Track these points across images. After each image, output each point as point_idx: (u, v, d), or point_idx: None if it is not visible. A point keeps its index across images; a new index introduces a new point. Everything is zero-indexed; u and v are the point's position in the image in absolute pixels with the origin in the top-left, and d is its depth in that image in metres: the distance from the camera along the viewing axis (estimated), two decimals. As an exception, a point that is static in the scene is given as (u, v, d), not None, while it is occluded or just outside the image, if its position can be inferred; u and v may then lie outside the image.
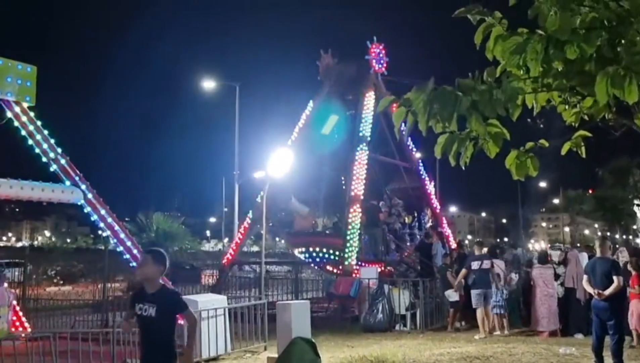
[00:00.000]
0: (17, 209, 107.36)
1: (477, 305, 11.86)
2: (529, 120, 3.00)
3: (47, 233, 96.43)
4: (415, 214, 19.35)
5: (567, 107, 3.08)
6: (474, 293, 11.93)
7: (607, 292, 6.93)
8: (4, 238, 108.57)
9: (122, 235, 9.87)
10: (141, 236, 24.16)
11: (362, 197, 16.86)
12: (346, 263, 15.47)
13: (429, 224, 19.25)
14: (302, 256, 17.96)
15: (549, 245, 48.83)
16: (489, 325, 12.05)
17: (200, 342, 9.08)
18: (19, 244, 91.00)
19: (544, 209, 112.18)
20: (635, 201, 43.90)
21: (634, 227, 50.85)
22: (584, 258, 12.73)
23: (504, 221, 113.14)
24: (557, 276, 11.87)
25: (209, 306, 9.37)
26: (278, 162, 11.17)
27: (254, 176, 23.90)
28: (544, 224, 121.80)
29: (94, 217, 9.88)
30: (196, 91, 32.80)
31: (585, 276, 7.54)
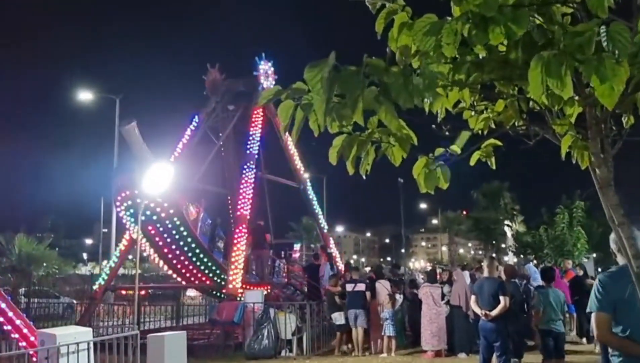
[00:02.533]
0: None
1: (352, 324, 12.24)
2: (433, 126, 2.58)
3: None
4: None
5: (473, 113, 2.72)
6: (349, 313, 12.29)
7: (494, 313, 6.85)
8: None
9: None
10: (1, 260, 21.69)
11: (248, 217, 16.20)
12: (230, 286, 14.65)
13: (297, 255, 19.00)
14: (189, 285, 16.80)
15: (430, 264, 51.02)
16: (378, 347, 11.96)
17: (58, 382, 7.89)
18: None
19: (423, 230, 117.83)
20: (506, 222, 47.03)
21: (503, 246, 54.46)
22: (466, 276, 13.06)
23: (387, 241, 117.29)
24: (442, 295, 11.96)
25: (70, 340, 8.19)
26: (155, 179, 10.26)
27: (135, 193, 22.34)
28: (423, 243, 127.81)
29: None
30: (73, 103, 30.55)
31: (473, 297, 7.46)
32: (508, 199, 47.64)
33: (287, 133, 19.50)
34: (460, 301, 11.80)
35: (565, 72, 1.69)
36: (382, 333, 11.90)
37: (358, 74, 1.70)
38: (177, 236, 14.52)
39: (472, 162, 2.63)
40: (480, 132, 2.75)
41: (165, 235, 14.57)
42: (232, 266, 14.94)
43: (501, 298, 6.73)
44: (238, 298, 14.11)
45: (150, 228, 14.27)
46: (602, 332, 3.32)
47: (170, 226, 14.31)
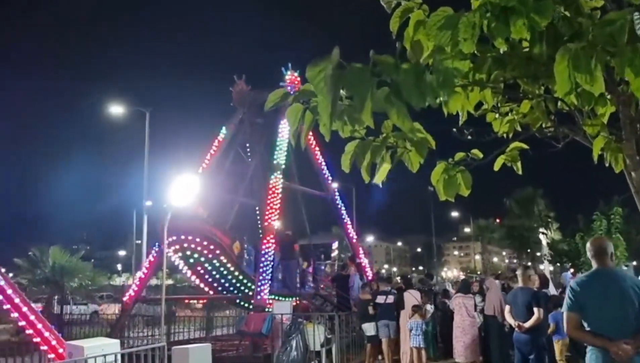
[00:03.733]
0: None
1: (382, 335, 12.12)
2: (454, 130, 2.43)
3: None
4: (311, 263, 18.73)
5: (497, 115, 2.55)
6: (379, 324, 12.17)
7: (528, 324, 6.58)
8: None
9: (2, 282, 8.47)
10: (34, 272, 22.03)
11: (276, 227, 16.13)
12: (258, 297, 14.57)
13: (335, 254, 18.82)
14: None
15: (463, 273, 50.18)
16: (407, 359, 11.70)
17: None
18: None
19: (455, 238, 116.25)
20: (540, 230, 45.94)
21: (538, 254, 53.22)
22: (498, 286, 12.72)
23: (419, 250, 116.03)
24: (474, 306, 11.67)
25: (97, 352, 8.20)
26: (182, 190, 10.27)
27: (164, 206, 22.47)
28: (455, 252, 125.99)
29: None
30: (104, 117, 31.14)
31: (507, 307, 7.19)
32: (542, 206, 46.59)
33: (314, 142, 19.45)
34: (495, 311, 11.48)
35: (595, 66, 1.52)
36: (411, 345, 11.65)
37: (365, 71, 1.56)
38: (222, 271, 15.52)
39: (497, 167, 2.46)
40: (505, 135, 2.58)
41: (210, 268, 15.52)
42: (260, 277, 14.87)
43: (535, 309, 6.45)
44: (266, 310, 14.02)
45: (199, 268, 15.56)
46: (570, 328, 4.05)
47: (217, 264, 15.33)
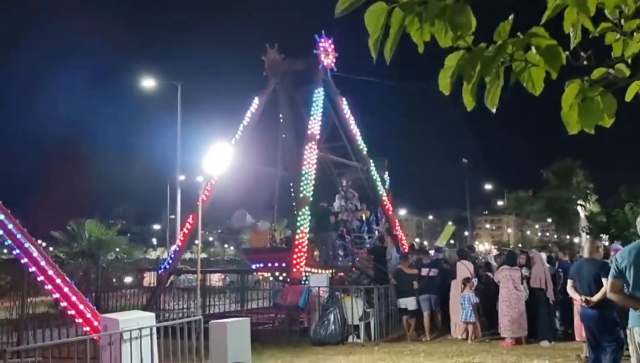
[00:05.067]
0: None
1: (424, 309, 11.96)
2: (567, 53, 1.87)
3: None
4: (372, 210, 18.39)
5: (618, 35, 1.99)
6: (421, 298, 12.01)
7: (595, 298, 6.00)
8: None
9: (26, 244, 8.28)
10: (72, 245, 22.24)
11: (311, 199, 15.71)
12: (294, 270, 14.24)
13: (384, 223, 18.31)
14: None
15: (496, 247, 49.27)
16: (459, 331, 11.40)
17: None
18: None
19: (487, 212, 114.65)
20: (579, 202, 44.63)
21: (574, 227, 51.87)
22: (543, 258, 12.14)
23: (450, 223, 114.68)
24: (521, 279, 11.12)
25: (133, 325, 7.96)
26: (216, 158, 9.91)
27: (197, 179, 22.31)
28: (487, 226, 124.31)
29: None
30: (136, 90, 31.05)
31: (569, 281, 6.61)
32: (581, 177, 45.15)
33: (347, 110, 18.85)
34: (542, 283, 10.93)
35: None
36: (462, 319, 11.22)
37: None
38: None
39: (629, 97, 1.90)
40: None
41: None
42: (296, 249, 14.53)
43: (604, 280, 5.81)
44: (302, 282, 13.70)
45: None
46: (613, 292, 4.69)
47: None
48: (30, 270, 8.67)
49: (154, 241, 76.16)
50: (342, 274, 15.30)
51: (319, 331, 11.84)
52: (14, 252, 8.46)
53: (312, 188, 15.87)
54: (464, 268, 12.04)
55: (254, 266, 16.28)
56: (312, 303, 12.59)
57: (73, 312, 8.60)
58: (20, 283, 14.51)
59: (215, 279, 23.29)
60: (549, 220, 62.59)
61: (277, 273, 15.73)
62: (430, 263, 12.60)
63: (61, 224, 23.97)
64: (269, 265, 15.56)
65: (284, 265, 14.78)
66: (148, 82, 28.37)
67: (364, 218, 17.86)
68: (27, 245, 8.41)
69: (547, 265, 11.51)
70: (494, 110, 1.69)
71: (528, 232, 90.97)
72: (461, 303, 11.21)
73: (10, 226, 8.35)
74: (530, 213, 59.52)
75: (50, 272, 8.53)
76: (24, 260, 8.48)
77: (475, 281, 12.24)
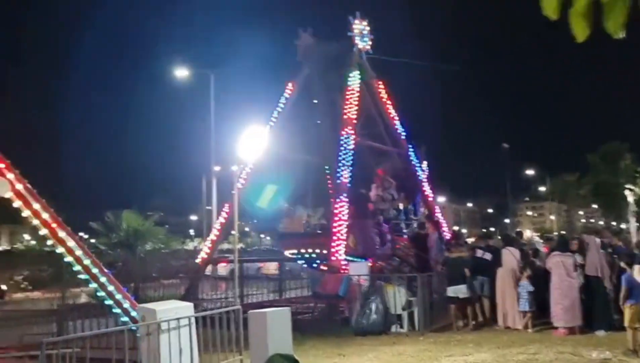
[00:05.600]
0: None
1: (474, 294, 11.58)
2: None
3: (27, 236, 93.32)
4: (410, 199, 17.85)
5: None
6: (475, 282, 11.59)
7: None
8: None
9: (61, 234, 8.16)
10: (110, 235, 22.41)
11: (348, 186, 15.31)
12: (333, 258, 13.89)
13: (424, 211, 17.75)
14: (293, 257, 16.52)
15: (538, 234, 47.91)
16: (511, 321, 10.92)
17: (159, 357, 7.46)
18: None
19: (528, 198, 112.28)
20: (627, 186, 42.90)
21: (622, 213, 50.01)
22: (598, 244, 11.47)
23: (490, 210, 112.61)
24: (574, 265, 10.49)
25: (171, 315, 7.73)
26: (250, 143, 9.61)
27: (232, 169, 22.10)
28: (529, 212, 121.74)
29: (26, 213, 8.15)
30: (169, 80, 31.04)
31: (637, 266, 6.07)
32: (629, 160, 43.37)
33: (384, 94, 18.30)
34: (597, 271, 10.29)
35: None
36: (519, 308, 10.72)
37: None
38: None
39: None
40: None
41: None
42: (334, 237, 14.16)
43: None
44: (341, 270, 13.35)
45: None
46: None
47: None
48: (65, 260, 8.55)
49: (192, 232, 77.05)
50: (381, 262, 14.86)
51: (361, 320, 11.48)
52: (48, 242, 8.38)
53: (349, 174, 15.46)
54: (510, 255, 11.49)
55: (287, 253, 16.03)
56: (353, 292, 12.23)
57: (111, 302, 8.44)
58: (60, 274, 14.58)
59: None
60: (594, 206, 60.53)
61: (312, 257, 15.46)
62: (484, 247, 12.14)
63: (100, 215, 24.23)
64: (302, 250, 15.29)
65: (318, 250, 14.55)
66: (181, 72, 28.32)
67: (401, 207, 17.36)
68: (62, 234, 8.28)
69: (602, 251, 10.87)
70: (620, 35, 1.26)
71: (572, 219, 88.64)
72: (519, 292, 10.69)
73: (45, 215, 8.22)
74: (577, 198, 57.57)
75: (87, 262, 8.38)
76: (59, 250, 8.36)
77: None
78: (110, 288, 8.38)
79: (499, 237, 13.20)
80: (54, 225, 8.21)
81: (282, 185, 15.92)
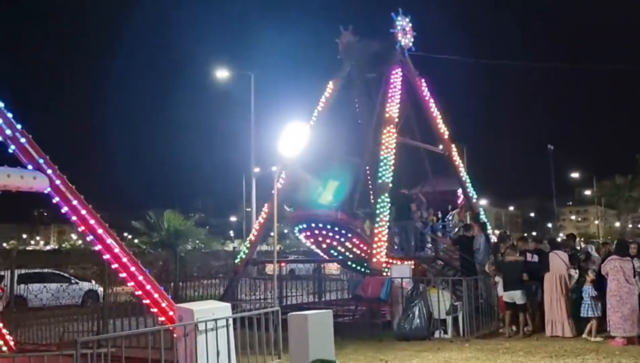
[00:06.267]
0: (45, 214, 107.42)
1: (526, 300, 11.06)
2: None
3: (74, 236, 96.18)
4: (440, 216, 17.33)
5: None
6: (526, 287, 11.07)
7: None
8: (32, 242, 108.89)
9: (99, 231, 8.08)
10: (151, 234, 22.61)
11: (390, 185, 14.90)
12: (374, 260, 13.51)
13: (456, 223, 17.18)
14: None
15: (582, 240, 46.19)
16: (559, 330, 10.40)
17: (196, 358, 7.27)
18: (47, 247, 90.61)
19: (570, 202, 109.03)
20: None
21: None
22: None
23: (532, 214, 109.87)
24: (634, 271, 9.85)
25: (208, 316, 7.53)
26: (291, 140, 9.35)
27: (272, 170, 21.93)
28: (572, 217, 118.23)
29: (65, 209, 8.10)
30: (210, 82, 31.20)
31: None
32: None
33: (427, 92, 17.79)
34: (658, 276, 9.63)
35: None
36: (582, 314, 10.20)
37: None
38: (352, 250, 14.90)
39: None
40: None
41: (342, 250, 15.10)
42: (376, 239, 13.78)
43: None
44: (383, 273, 12.95)
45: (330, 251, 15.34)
46: None
47: (349, 246, 14.81)
48: (104, 257, 8.46)
49: (232, 233, 77.73)
50: (424, 265, 14.40)
51: (404, 325, 11.07)
52: (87, 239, 8.31)
53: (392, 174, 15.06)
54: (557, 259, 10.91)
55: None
56: (395, 295, 11.82)
57: (148, 301, 8.30)
58: (102, 272, 14.61)
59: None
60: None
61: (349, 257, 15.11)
62: (532, 250, 11.68)
63: (142, 215, 24.47)
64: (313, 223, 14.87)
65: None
66: (222, 73, 28.39)
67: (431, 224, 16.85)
68: (100, 231, 8.19)
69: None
70: None
71: (616, 224, 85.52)
72: (582, 298, 10.13)
73: (83, 212, 8.15)
74: (630, 201, 55.18)
75: (124, 259, 8.26)
76: (97, 247, 8.28)
77: (575, 273, 11.07)
78: (148, 287, 8.24)
79: (545, 241, 12.53)
80: (91, 222, 8.13)
81: (342, 182, 15.56)
